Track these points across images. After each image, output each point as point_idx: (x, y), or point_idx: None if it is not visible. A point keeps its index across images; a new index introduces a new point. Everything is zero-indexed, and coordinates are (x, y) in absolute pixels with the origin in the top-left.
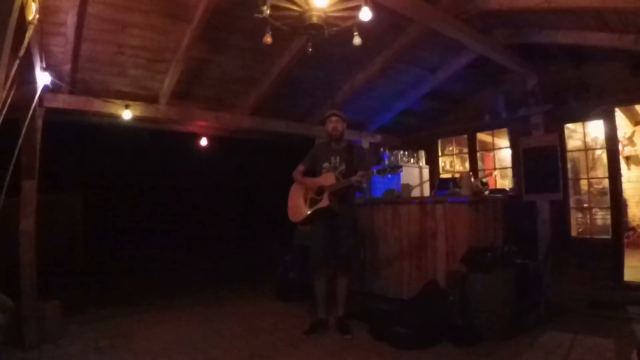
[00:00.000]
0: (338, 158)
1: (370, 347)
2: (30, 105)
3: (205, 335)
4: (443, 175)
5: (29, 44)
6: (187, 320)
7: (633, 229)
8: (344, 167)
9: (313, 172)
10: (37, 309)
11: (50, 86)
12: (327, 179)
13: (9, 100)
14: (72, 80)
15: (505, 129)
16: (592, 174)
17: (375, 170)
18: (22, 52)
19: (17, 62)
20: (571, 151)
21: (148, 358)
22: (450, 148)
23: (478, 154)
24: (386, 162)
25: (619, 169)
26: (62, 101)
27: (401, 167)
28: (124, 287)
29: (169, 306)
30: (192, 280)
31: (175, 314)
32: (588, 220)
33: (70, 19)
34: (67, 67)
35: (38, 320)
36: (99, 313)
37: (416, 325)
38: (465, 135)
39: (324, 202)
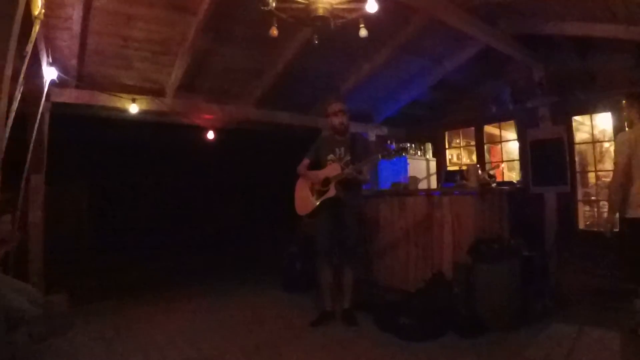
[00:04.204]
0: (342, 149)
1: (376, 338)
2: (37, 100)
3: (210, 325)
4: (450, 168)
5: (35, 39)
6: (192, 311)
7: None
8: (349, 158)
9: (318, 165)
10: (44, 301)
11: (57, 80)
12: (333, 169)
13: (18, 95)
14: (78, 75)
15: (512, 121)
16: (599, 166)
17: (380, 155)
18: (29, 47)
19: (27, 57)
20: (579, 144)
21: (154, 348)
22: (457, 140)
23: (485, 147)
24: None
25: None
26: (69, 95)
27: (406, 149)
28: (129, 278)
29: (175, 297)
30: (198, 271)
31: (181, 304)
32: (595, 213)
33: (76, 13)
34: (74, 62)
35: (45, 313)
36: (104, 304)
37: (422, 316)
38: (472, 128)
39: (331, 192)
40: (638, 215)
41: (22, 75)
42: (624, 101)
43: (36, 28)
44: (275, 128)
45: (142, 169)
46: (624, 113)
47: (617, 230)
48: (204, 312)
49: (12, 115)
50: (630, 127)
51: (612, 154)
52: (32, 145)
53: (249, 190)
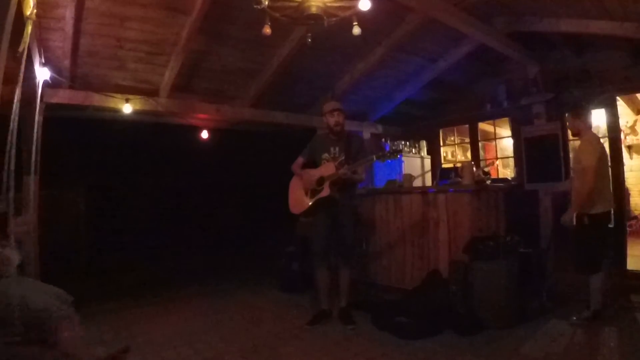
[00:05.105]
0: (337, 148)
1: (373, 337)
2: (30, 101)
3: (208, 326)
4: (445, 165)
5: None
6: (190, 312)
7: (635, 217)
8: (343, 157)
9: (313, 164)
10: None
11: (50, 81)
12: (327, 169)
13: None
14: (71, 75)
15: (506, 118)
16: None
17: (375, 156)
18: (22, 48)
19: (22, 57)
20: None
21: (152, 350)
22: (452, 138)
23: (480, 144)
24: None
25: (621, 157)
26: (62, 96)
27: (401, 151)
28: (128, 279)
29: (172, 298)
30: (195, 273)
31: (179, 306)
32: None
33: (69, 13)
34: (67, 62)
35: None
36: (102, 307)
37: (419, 314)
38: (467, 125)
39: (325, 191)
40: (597, 210)
41: (21, 76)
42: (569, 114)
43: (29, 28)
44: (272, 128)
45: (140, 169)
46: (569, 124)
47: (611, 226)
48: (202, 313)
49: (16, 118)
50: (576, 136)
51: (606, 149)
52: (24, 146)
53: (248, 190)
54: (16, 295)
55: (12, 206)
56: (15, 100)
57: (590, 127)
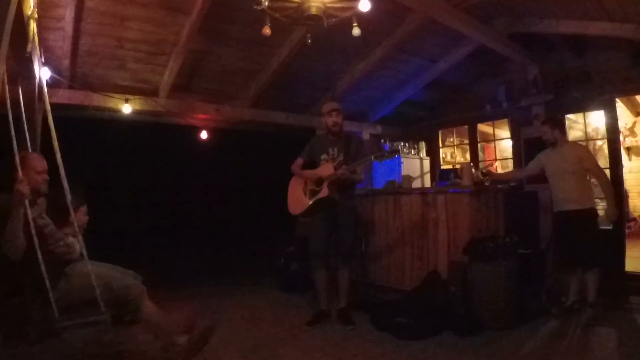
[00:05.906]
0: (336, 149)
1: (372, 338)
2: (29, 101)
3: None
4: (444, 166)
5: (27, 38)
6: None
7: (634, 219)
8: (342, 158)
9: (312, 164)
10: (40, 303)
11: (50, 81)
12: (326, 169)
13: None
14: (71, 75)
15: (506, 120)
16: None
17: (373, 156)
18: (30, 47)
19: (33, 56)
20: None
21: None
22: (451, 139)
23: (479, 145)
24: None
25: (620, 159)
26: (62, 96)
27: (398, 151)
28: None
29: (171, 298)
30: (195, 273)
31: (177, 305)
32: None
33: (69, 13)
34: (66, 62)
35: (42, 315)
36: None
37: (418, 315)
38: (466, 126)
39: (324, 192)
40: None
41: (29, 76)
42: (546, 125)
43: (34, 28)
44: (272, 128)
45: (140, 169)
46: (548, 133)
47: (610, 227)
48: (201, 313)
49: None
50: (554, 146)
51: (605, 151)
52: (23, 146)
53: (248, 190)
54: (98, 276)
55: (69, 198)
56: (21, 101)
57: (566, 134)
